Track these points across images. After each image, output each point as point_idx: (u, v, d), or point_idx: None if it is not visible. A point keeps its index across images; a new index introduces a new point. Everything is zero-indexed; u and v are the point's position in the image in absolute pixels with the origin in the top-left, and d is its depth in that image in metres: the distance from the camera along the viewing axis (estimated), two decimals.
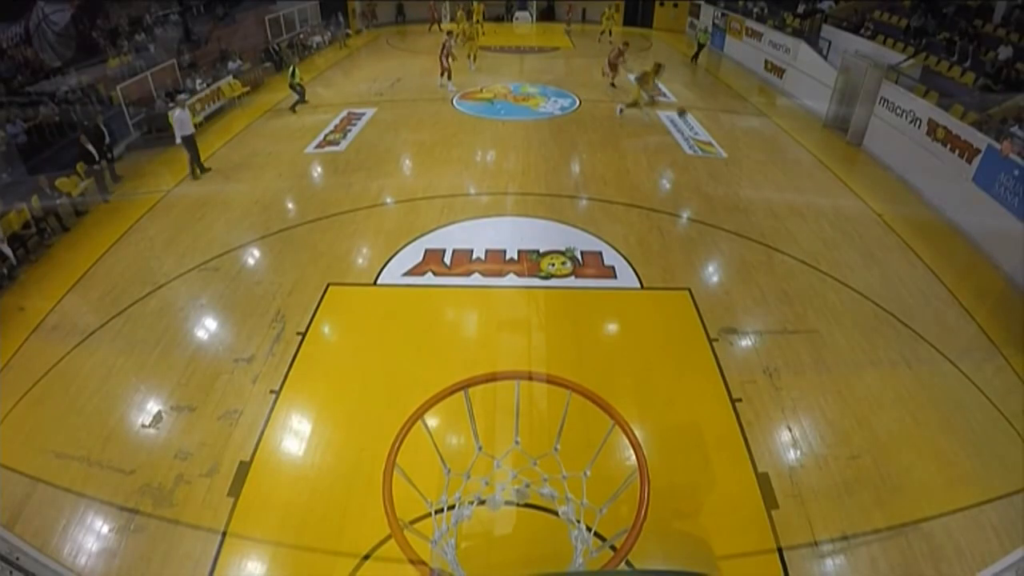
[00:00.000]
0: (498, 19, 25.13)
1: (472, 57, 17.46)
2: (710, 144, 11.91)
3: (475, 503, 3.73)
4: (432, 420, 3.58)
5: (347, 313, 6.82)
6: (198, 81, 13.76)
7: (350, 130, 12.51)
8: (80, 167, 9.58)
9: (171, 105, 10.68)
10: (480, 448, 3.61)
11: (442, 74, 15.02)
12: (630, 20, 25.02)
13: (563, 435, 3.57)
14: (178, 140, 10.03)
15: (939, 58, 12.29)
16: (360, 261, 7.74)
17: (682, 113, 13.10)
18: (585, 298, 6.99)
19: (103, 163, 9.75)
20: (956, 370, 6.00)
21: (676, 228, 8.66)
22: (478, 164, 10.70)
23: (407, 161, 11.08)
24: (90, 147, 9.48)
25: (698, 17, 22.66)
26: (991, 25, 12.34)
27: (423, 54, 19.05)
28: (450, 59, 14.87)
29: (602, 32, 22.04)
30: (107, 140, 10.11)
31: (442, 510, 3.42)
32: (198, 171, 10.33)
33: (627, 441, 3.26)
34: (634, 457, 3.18)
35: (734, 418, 5.33)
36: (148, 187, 9.91)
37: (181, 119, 9.93)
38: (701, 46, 18.85)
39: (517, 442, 3.67)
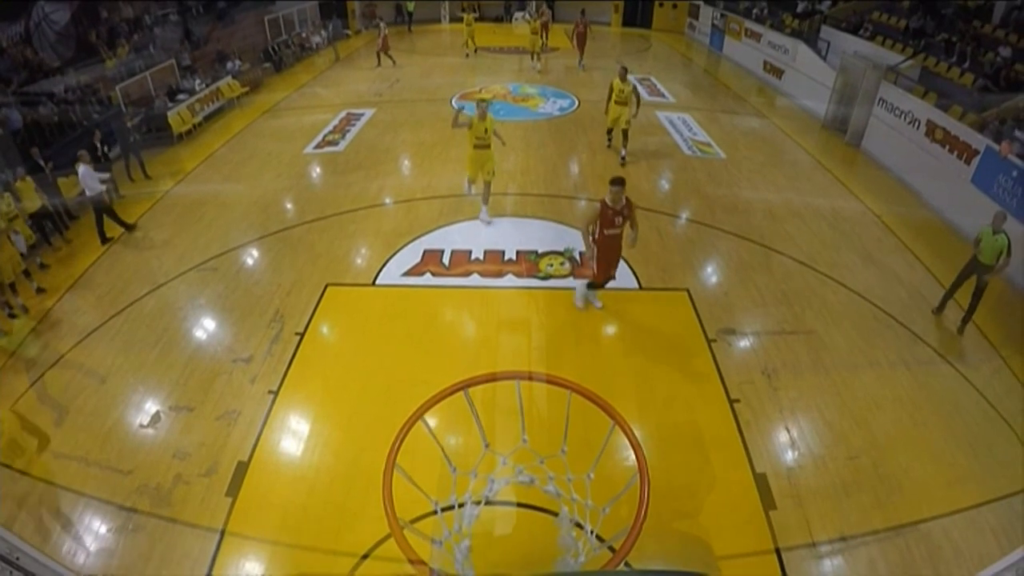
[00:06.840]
0: (497, 19, 25.14)
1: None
2: (709, 145, 11.92)
3: (482, 503, 3.68)
4: (432, 420, 3.58)
5: (346, 313, 6.82)
6: (197, 81, 13.75)
7: (349, 130, 12.51)
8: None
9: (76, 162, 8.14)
10: (487, 446, 3.60)
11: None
12: (629, 20, 25.02)
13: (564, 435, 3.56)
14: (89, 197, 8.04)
15: (938, 59, 12.30)
16: (359, 261, 7.74)
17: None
18: None
19: (119, 163, 9.48)
20: (955, 371, 6.01)
21: (675, 229, 8.66)
22: None
23: (406, 161, 11.08)
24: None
25: (697, 18, 22.54)
26: (990, 26, 12.35)
27: (422, 54, 19.04)
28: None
29: (610, 130, 11.16)
30: (106, 147, 9.66)
31: (449, 508, 3.41)
32: (122, 230, 8.39)
33: (627, 441, 3.27)
34: (633, 457, 3.18)
35: (732, 419, 5.33)
36: (148, 187, 9.90)
37: (85, 177, 7.96)
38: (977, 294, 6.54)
39: (525, 440, 3.65)
